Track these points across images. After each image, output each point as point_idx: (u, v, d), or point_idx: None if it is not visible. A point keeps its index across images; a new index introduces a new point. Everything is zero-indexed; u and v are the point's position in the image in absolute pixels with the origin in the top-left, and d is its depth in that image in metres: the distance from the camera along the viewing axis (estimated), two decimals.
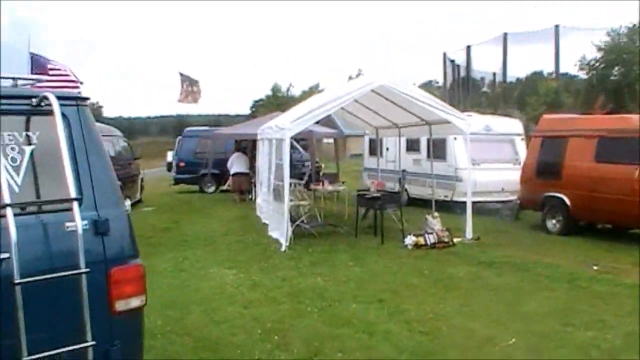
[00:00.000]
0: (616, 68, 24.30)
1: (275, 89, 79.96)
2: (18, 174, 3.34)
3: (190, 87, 22.84)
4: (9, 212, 3.10)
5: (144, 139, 73.04)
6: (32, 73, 13.60)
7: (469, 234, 11.99)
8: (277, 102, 61.63)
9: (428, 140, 14.75)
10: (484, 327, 6.58)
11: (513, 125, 16.92)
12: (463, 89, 25.44)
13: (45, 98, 3.42)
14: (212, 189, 23.05)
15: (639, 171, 10.93)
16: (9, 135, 3.36)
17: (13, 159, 3.34)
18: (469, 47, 24.35)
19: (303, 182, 18.37)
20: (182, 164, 23.50)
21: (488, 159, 15.30)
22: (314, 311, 7.28)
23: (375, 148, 18.32)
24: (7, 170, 3.29)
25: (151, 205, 19.36)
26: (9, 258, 3.07)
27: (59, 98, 3.50)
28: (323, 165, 26.12)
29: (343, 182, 18.46)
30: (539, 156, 13.41)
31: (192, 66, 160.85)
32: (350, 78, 44.76)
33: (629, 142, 11.32)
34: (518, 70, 22.78)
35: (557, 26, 24.73)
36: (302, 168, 21.40)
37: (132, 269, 3.69)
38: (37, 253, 3.29)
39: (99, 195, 3.59)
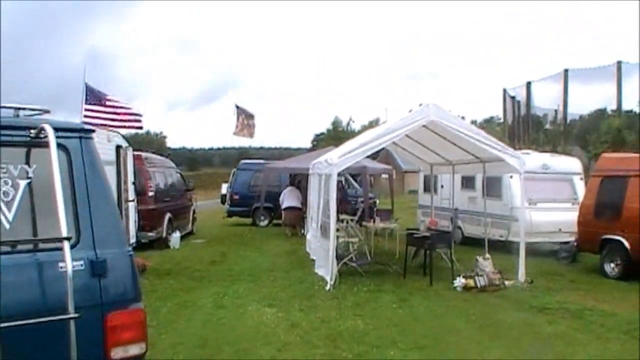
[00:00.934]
0: None
1: (336, 123, 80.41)
2: (10, 210, 3.16)
3: (246, 120, 23.01)
4: None
5: (207, 170, 74.61)
6: (86, 103, 13.90)
7: (522, 276, 11.40)
8: (337, 136, 61.64)
9: (484, 178, 14.31)
10: None
11: (572, 163, 16.27)
12: (524, 125, 24.82)
13: (44, 129, 3.24)
14: (265, 222, 22.93)
15: None
16: (2, 167, 3.19)
17: (5, 193, 3.17)
18: (529, 83, 23.78)
19: (356, 217, 18.08)
20: (235, 197, 23.50)
21: (545, 199, 14.75)
22: (349, 357, 6.90)
23: (429, 185, 17.92)
24: None
25: (202, 237, 19.36)
26: None
27: (60, 129, 3.34)
28: (378, 201, 25.76)
29: (397, 219, 18.08)
30: (598, 196, 12.80)
31: (254, 97, 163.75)
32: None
33: None
34: (579, 107, 22.03)
35: (619, 62, 23.94)
36: (356, 204, 21.09)
37: (131, 313, 3.44)
38: (25, 294, 3.09)
39: (98, 234, 3.37)
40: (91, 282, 3.28)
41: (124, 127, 15.05)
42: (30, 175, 3.27)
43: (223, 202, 24.85)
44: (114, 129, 13.48)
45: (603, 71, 23.79)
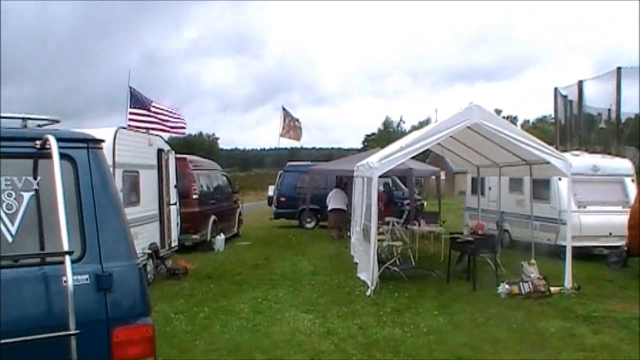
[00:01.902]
0: None
1: (387, 124, 79.91)
2: (13, 222, 3.11)
3: (291, 122, 22.99)
4: None
5: (258, 170, 75.07)
6: (130, 107, 14.04)
7: (569, 282, 10.93)
8: (388, 137, 61.17)
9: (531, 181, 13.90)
10: None
11: (623, 165, 15.62)
12: (575, 125, 24.06)
13: (48, 140, 3.18)
14: (311, 224, 22.85)
15: None
16: (6, 180, 3.14)
17: (9, 206, 3.12)
18: (581, 82, 23.04)
19: (402, 220, 17.84)
20: (282, 198, 23.48)
21: (595, 201, 14.19)
22: None
23: (476, 187, 17.53)
24: (0, 218, 3.07)
25: (247, 239, 19.39)
26: None
27: (67, 140, 3.28)
28: (425, 203, 25.42)
29: (443, 222, 17.76)
30: None
31: (306, 97, 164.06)
32: None
33: None
34: (634, 106, 21.13)
35: None
36: (403, 206, 20.81)
37: (138, 328, 3.34)
38: (27, 309, 3.02)
39: (105, 247, 3.29)
40: (96, 296, 3.20)
41: (168, 131, 15.17)
42: (35, 187, 3.20)
43: (270, 204, 24.89)
44: (157, 133, 13.58)
45: None
